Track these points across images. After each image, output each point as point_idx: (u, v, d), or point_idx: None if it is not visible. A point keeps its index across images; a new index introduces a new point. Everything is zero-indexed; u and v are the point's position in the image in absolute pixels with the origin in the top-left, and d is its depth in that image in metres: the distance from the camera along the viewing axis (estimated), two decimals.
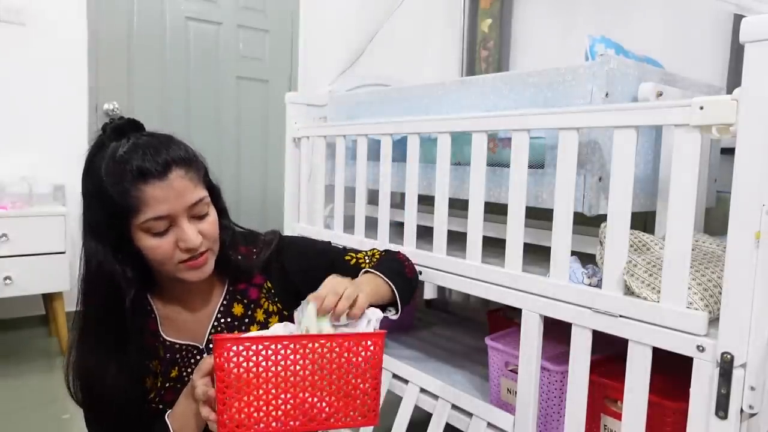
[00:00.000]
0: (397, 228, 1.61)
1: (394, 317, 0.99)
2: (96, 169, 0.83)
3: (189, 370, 0.94)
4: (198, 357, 0.94)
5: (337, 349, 0.78)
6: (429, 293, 1.78)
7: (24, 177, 2.39)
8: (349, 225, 1.73)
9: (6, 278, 2.14)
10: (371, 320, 0.86)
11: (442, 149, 1.36)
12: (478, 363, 1.57)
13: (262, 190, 3.18)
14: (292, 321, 1.01)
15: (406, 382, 1.48)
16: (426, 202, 1.53)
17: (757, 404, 0.87)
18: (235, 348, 0.74)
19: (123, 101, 2.76)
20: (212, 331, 0.95)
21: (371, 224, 1.65)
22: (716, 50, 1.91)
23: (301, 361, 0.76)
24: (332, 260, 1.07)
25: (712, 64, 1.92)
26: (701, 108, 0.89)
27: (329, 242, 1.18)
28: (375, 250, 1.12)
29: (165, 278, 0.92)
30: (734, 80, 1.85)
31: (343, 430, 0.82)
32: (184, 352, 0.94)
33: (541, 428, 1.23)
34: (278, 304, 1.01)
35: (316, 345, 0.77)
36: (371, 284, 0.96)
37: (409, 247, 1.48)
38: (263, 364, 0.75)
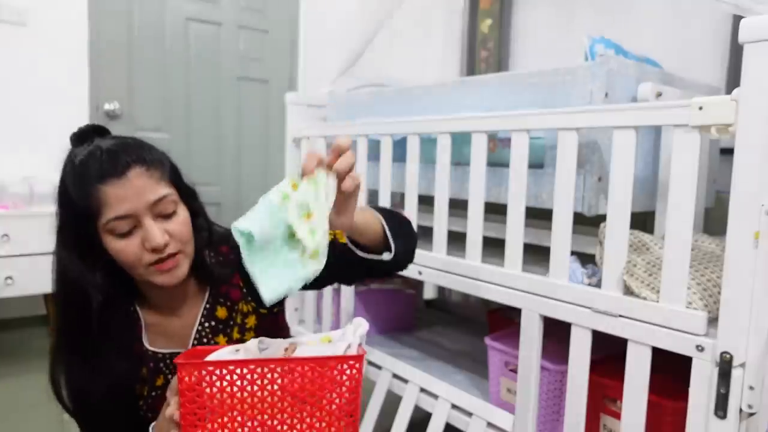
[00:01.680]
0: None
1: (389, 257, 0.90)
2: (63, 175, 0.84)
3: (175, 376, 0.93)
4: None
5: (309, 374, 0.70)
6: (429, 293, 1.79)
7: (25, 177, 2.39)
8: None
9: (7, 278, 2.14)
10: (358, 330, 0.78)
11: (442, 149, 1.37)
12: (478, 363, 1.57)
13: (262, 190, 3.15)
14: (271, 315, 0.99)
15: (406, 382, 1.49)
16: (426, 202, 1.53)
17: (756, 404, 0.87)
18: (196, 373, 0.69)
19: (123, 101, 2.76)
20: (197, 335, 0.93)
21: None
22: (715, 50, 1.91)
23: (269, 386, 0.70)
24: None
25: (711, 64, 1.92)
26: (700, 108, 0.90)
27: None
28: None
29: (144, 285, 0.90)
30: (733, 80, 1.85)
31: None
32: (168, 361, 0.91)
33: (541, 428, 1.23)
34: (252, 303, 0.97)
35: (287, 369, 0.70)
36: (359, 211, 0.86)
37: None
38: (228, 389, 0.69)
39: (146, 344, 0.91)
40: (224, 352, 0.76)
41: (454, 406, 1.36)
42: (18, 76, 2.47)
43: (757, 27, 0.82)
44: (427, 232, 1.49)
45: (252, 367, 0.70)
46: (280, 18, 3.18)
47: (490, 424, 1.27)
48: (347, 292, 1.73)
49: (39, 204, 2.35)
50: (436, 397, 1.41)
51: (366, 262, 0.90)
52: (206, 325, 0.93)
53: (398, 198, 1.92)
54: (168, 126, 2.89)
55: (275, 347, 0.79)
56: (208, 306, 0.94)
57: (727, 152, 1.11)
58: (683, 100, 0.95)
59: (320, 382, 0.71)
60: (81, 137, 0.86)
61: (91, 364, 0.86)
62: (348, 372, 0.72)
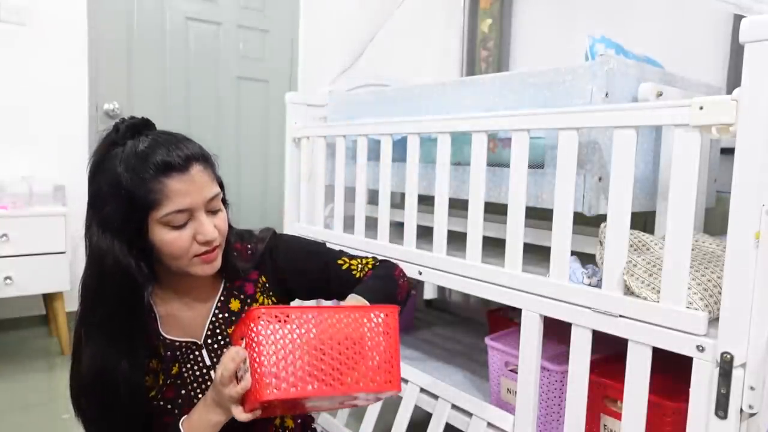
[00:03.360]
0: (397, 228, 1.61)
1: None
2: (111, 166, 0.83)
3: (188, 365, 0.94)
4: (197, 353, 0.95)
5: (356, 319, 0.82)
6: (429, 293, 1.79)
7: (24, 177, 2.39)
8: (349, 225, 1.73)
9: (6, 278, 2.14)
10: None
11: (442, 149, 1.37)
12: (478, 363, 1.57)
13: (262, 190, 3.18)
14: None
15: (406, 382, 1.48)
16: (426, 202, 1.53)
17: (757, 404, 0.87)
18: (265, 313, 0.78)
19: (123, 101, 2.76)
20: (210, 326, 0.96)
21: (371, 224, 1.65)
22: (716, 50, 1.91)
23: (325, 331, 0.80)
24: (325, 263, 1.06)
25: (712, 64, 1.92)
26: (701, 108, 0.90)
27: (324, 243, 1.17)
28: (370, 260, 1.07)
29: (168, 275, 0.92)
30: (734, 80, 1.85)
31: (369, 394, 0.83)
32: (183, 349, 0.94)
33: (541, 428, 1.23)
34: (273, 298, 1.02)
35: (337, 316, 0.81)
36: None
37: (409, 247, 1.48)
38: (292, 332, 0.78)
39: (162, 332, 0.93)
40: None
41: (454, 407, 1.36)
42: (18, 76, 2.47)
43: (757, 27, 0.82)
44: (427, 232, 1.49)
45: (309, 314, 0.80)
46: (280, 18, 3.18)
47: (490, 425, 1.27)
48: None
49: (38, 204, 2.35)
50: (436, 397, 1.41)
51: None
52: (220, 316, 0.97)
53: (398, 198, 1.92)
54: (168, 126, 2.85)
55: None
56: (222, 298, 0.98)
57: (728, 152, 1.11)
58: (684, 99, 0.94)
59: (365, 328, 0.82)
60: (133, 130, 0.88)
61: (126, 355, 0.87)
62: (384, 317, 0.83)
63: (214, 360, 0.95)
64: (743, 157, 0.85)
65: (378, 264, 1.06)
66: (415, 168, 1.46)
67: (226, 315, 0.97)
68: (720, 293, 0.90)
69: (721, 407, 0.88)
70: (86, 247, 0.87)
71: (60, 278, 2.26)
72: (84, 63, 2.63)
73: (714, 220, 1.39)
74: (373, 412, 1.52)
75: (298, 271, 1.04)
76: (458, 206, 1.45)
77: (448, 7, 3.07)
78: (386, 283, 1.02)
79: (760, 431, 0.91)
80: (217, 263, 0.91)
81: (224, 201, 0.96)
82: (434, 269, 1.41)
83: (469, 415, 1.32)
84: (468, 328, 1.94)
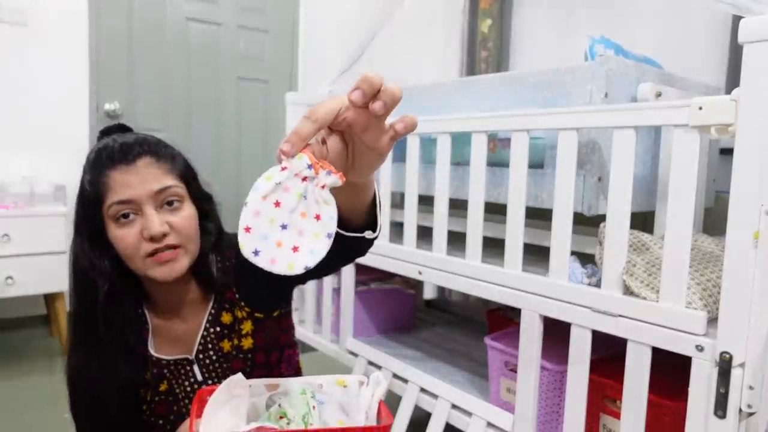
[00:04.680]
0: (397, 228, 1.62)
1: (371, 236, 0.75)
2: (83, 167, 0.86)
3: (179, 381, 0.92)
4: (188, 368, 0.93)
5: None
6: (429, 293, 1.79)
7: (25, 177, 2.40)
8: None
9: (7, 278, 2.14)
10: (376, 391, 0.72)
11: (442, 149, 1.37)
12: (478, 363, 1.57)
13: None
14: (268, 322, 0.95)
15: (406, 381, 1.49)
16: (426, 202, 1.53)
17: (756, 403, 0.87)
18: None
19: (124, 101, 2.76)
20: (201, 341, 0.93)
21: None
22: (715, 50, 1.91)
23: None
24: None
25: (711, 64, 1.92)
26: (700, 108, 0.90)
27: None
28: None
29: (148, 284, 0.90)
30: (733, 80, 1.85)
31: None
32: (172, 367, 0.92)
33: (541, 428, 1.23)
34: (245, 309, 0.94)
35: None
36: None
37: (409, 247, 1.49)
38: None
39: (151, 350, 0.91)
40: (217, 400, 0.70)
41: (454, 406, 1.36)
42: (18, 76, 2.47)
43: (756, 27, 0.82)
44: (427, 232, 1.49)
45: None
46: (280, 18, 3.18)
47: (490, 424, 1.27)
48: (347, 292, 1.73)
49: (39, 204, 2.35)
50: (436, 397, 1.41)
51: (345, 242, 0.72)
52: (211, 330, 0.93)
53: (398, 198, 1.92)
54: (168, 126, 2.89)
55: (257, 388, 0.74)
56: (213, 312, 0.93)
57: (727, 152, 1.12)
58: (683, 100, 0.95)
59: None
60: (104, 133, 0.90)
61: (97, 361, 0.86)
62: None
63: (206, 375, 0.93)
64: (742, 157, 0.85)
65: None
66: (415, 168, 1.46)
67: (218, 329, 0.93)
68: (719, 293, 0.90)
69: (720, 407, 0.88)
70: None
71: (61, 278, 2.27)
72: (85, 63, 2.63)
73: (713, 220, 1.39)
74: None
75: (241, 263, 0.91)
76: (458, 206, 1.45)
77: (448, 7, 3.07)
78: None
79: (759, 431, 0.91)
80: (178, 266, 0.83)
81: (207, 208, 0.92)
82: (434, 269, 1.41)
83: (469, 414, 1.33)
84: (468, 328, 1.94)
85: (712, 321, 0.92)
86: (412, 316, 1.97)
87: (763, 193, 0.84)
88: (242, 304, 0.93)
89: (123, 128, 0.91)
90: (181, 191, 0.85)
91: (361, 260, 1.65)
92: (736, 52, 1.84)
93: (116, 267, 0.85)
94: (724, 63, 1.88)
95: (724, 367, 0.88)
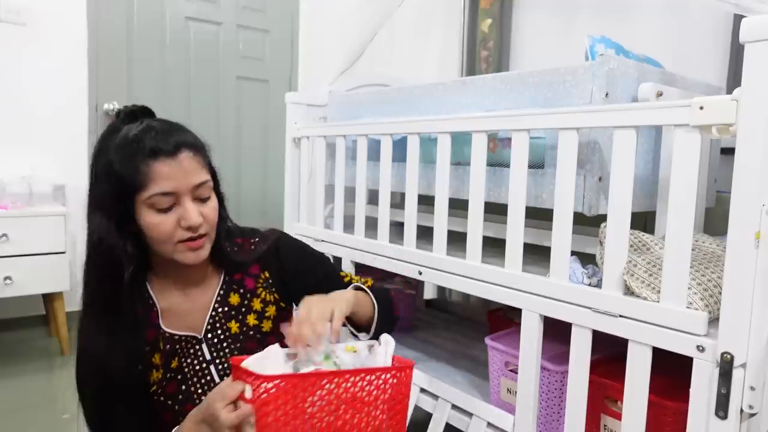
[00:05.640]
0: (397, 228, 1.61)
1: (364, 339, 0.98)
2: (108, 148, 0.87)
3: (188, 360, 0.95)
4: (197, 347, 0.95)
5: (367, 385, 0.78)
6: (429, 293, 1.78)
7: (24, 177, 2.39)
8: (349, 225, 1.73)
9: (6, 278, 2.14)
10: (388, 349, 0.85)
11: (442, 149, 1.37)
12: (478, 363, 1.57)
13: (262, 190, 3.18)
14: (288, 311, 1.04)
15: None
16: (426, 202, 1.53)
17: (757, 404, 0.87)
18: (267, 385, 0.73)
19: (123, 101, 2.76)
20: (210, 320, 0.97)
21: (371, 224, 1.65)
22: (716, 50, 1.91)
23: (330, 398, 0.76)
24: (327, 272, 1.09)
25: (712, 64, 1.92)
26: (701, 108, 0.90)
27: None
28: (368, 279, 1.13)
29: (163, 264, 0.94)
30: (734, 80, 1.85)
31: None
32: (183, 343, 0.95)
33: (541, 428, 1.23)
34: (275, 294, 1.03)
35: (347, 380, 0.77)
36: (355, 295, 0.96)
37: (409, 247, 1.48)
38: (294, 401, 0.74)
39: (162, 326, 0.95)
40: (257, 359, 0.79)
41: (454, 407, 1.36)
42: (17, 75, 2.47)
43: (758, 27, 0.82)
44: (427, 232, 1.49)
45: (316, 379, 0.76)
46: (280, 18, 3.18)
47: (490, 425, 1.27)
48: None
49: (38, 204, 2.35)
50: (436, 397, 1.40)
51: None
52: (219, 310, 0.98)
53: (398, 198, 1.92)
54: None
55: (281, 356, 0.83)
56: (221, 292, 0.99)
57: (728, 152, 1.11)
58: (684, 99, 0.94)
59: (377, 392, 0.79)
60: (131, 116, 0.91)
61: (109, 335, 0.88)
62: (396, 379, 0.80)
63: (214, 354, 0.96)
64: (743, 157, 0.85)
65: (374, 284, 1.10)
66: (415, 168, 1.45)
67: (226, 309, 0.98)
68: (720, 293, 0.90)
69: (722, 407, 0.88)
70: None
71: (60, 278, 2.26)
72: (84, 63, 2.62)
73: (714, 220, 1.39)
74: None
75: (303, 274, 1.06)
76: (458, 206, 1.45)
77: (448, 7, 3.07)
78: (386, 296, 1.05)
79: (760, 431, 0.91)
80: (203, 252, 0.91)
81: (219, 193, 0.97)
82: (434, 269, 1.41)
83: (469, 415, 1.32)
84: (468, 328, 1.94)
85: (713, 321, 0.92)
86: (412, 316, 1.96)
87: (764, 193, 0.84)
88: (273, 289, 1.02)
89: (146, 111, 0.94)
90: (211, 184, 0.92)
91: (361, 260, 1.66)
92: (737, 52, 1.84)
93: (135, 247, 0.89)
94: (725, 63, 1.88)
95: (726, 367, 0.87)
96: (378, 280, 1.85)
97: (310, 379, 0.75)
